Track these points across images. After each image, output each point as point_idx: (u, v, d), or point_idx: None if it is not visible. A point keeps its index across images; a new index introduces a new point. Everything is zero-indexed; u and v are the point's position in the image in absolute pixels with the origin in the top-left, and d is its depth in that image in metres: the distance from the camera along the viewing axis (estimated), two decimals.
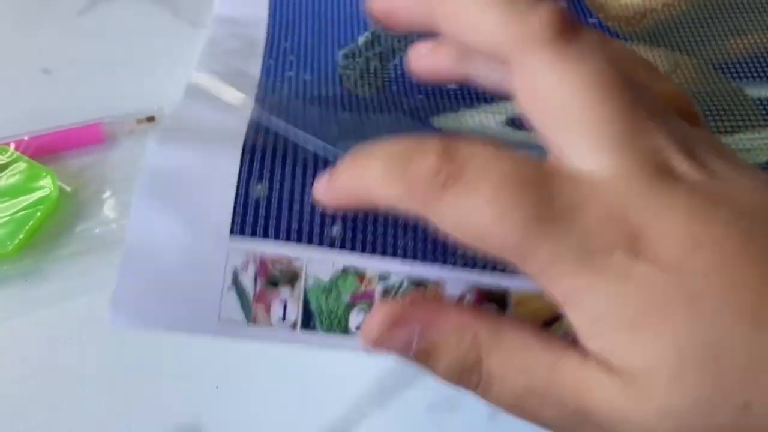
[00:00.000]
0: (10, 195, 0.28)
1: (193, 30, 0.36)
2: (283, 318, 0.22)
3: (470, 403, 0.26)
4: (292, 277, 0.22)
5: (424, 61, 0.23)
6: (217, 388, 0.26)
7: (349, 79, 0.31)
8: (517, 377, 0.18)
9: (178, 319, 0.21)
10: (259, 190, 0.23)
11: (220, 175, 0.23)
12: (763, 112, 0.31)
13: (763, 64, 0.33)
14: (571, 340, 0.18)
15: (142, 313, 0.21)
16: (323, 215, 0.22)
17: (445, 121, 0.29)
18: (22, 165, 0.29)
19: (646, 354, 0.16)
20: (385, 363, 0.27)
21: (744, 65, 0.33)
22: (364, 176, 0.19)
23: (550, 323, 0.22)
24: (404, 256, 0.22)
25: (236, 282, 0.22)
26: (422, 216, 0.18)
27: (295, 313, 0.22)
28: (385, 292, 0.22)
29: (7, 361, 0.26)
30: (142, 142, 0.31)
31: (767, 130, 0.31)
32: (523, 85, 0.18)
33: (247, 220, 0.22)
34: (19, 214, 0.28)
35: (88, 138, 0.31)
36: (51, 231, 0.29)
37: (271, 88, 0.29)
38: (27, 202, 0.28)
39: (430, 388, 0.26)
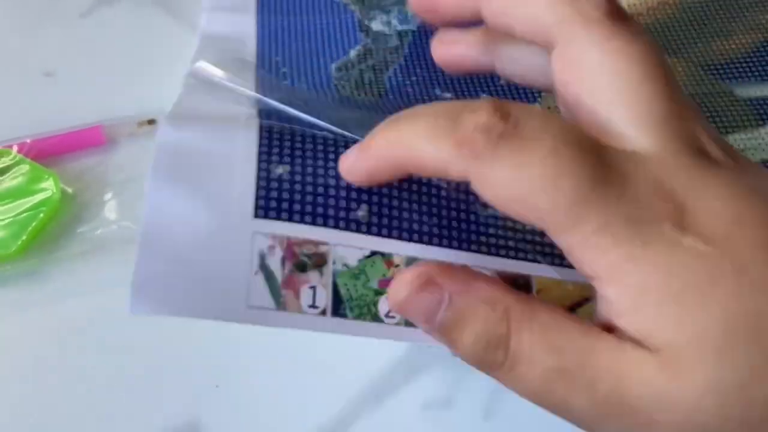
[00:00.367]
0: (12, 197, 0.29)
1: (193, 33, 0.36)
2: (313, 304, 0.21)
3: (465, 402, 0.26)
4: (320, 262, 0.21)
5: (449, 49, 0.23)
6: (216, 386, 0.26)
7: (345, 89, 0.31)
8: (547, 357, 0.17)
9: (204, 305, 0.20)
10: (280, 171, 0.22)
11: (239, 155, 0.22)
12: (754, 112, 0.31)
13: (750, 65, 0.33)
14: (600, 326, 0.17)
15: (164, 299, 0.19)
16: (348, 197, 0.22)
17: None
18: (24, 167, 0.29)
19: (693, 327, 0.16)
20: (382, 362, 0.27)
21: (732, 66, 0.33)
22: (404, 135, 0.18)
23: (571, 310, 0.22)
24: (430, 241, 0.22)
25: (263, 266, 0.20)
26: (466, 177, 0.17)
27: (324, 299, 0.21)
28: None
29: (9, 360, 0.27)
30: (142, 145, 0.32)
31: (759, 130, 0.31)
32: (569, 61, 0.19)
33: (271, 203, 0.21)
34: (22, 215, 0.28)
35: (89, 140, 0.31)
36: (53, 232, 0.29)
37: (268, 86, 0.29)
38: (29, 204, 0.29)
39: (425, 387, 0.27)
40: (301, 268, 0.21)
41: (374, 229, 0.21)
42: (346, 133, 0.24)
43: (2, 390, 0.26)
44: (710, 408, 0.16)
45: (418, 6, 0.22)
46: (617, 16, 0.18)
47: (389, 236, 0.22)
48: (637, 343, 0.16)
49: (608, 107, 0.18)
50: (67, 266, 0.28)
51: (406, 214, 0.22)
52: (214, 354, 0.27)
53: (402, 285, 0.18)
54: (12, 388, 0.26)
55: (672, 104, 0.18)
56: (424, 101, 0.30)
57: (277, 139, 0.22)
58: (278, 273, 0.20)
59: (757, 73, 0.33)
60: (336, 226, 0.21)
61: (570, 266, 0.18)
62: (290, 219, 0.21)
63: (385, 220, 0.22)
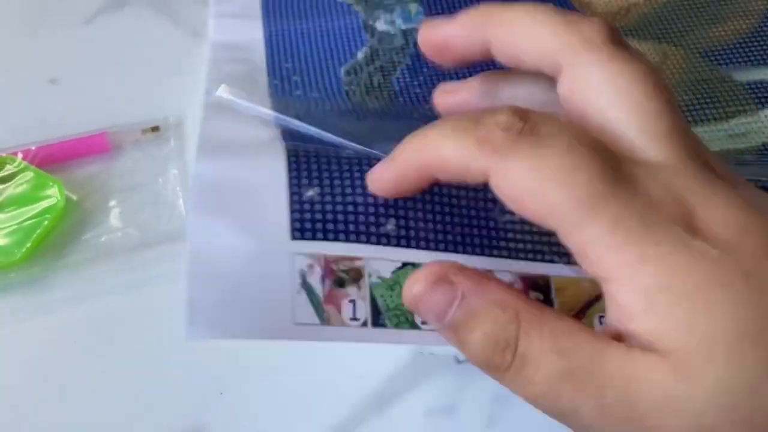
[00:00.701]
0: (17, 204, 0.29)
1: (195, 40, 0.36)
2: (354, 317, 0.22)
3: (468, 409, 0.26)
4: (356, 276, 0.22)
5: (451, 97, 0.24)
6: (220, 394, 0.26)
7: (355, 95, 0.32)
8: (555, 361, 0.17)
9: (253, 326, 0.21)
10: (310, 194, 0.23)
11: (270, 182, 0.23)
12: (753, 95, 0.32)
13: (746, 50, 0.34)
14: (609, 333, 0.17)
15: (217, 324, 0.21)
16: (376, 213, 0.23)
17: None
18: (29, 174, 0.29)
19: (703, 329, 0.16)
20: (385, 369, 0.27)
21: (728, 52, 0.34)
22: (429, 139, 0.19)
23: (587, 306, 0.23)
24: (454, 249, 0.23)
25: (305, 284, 0.22)
26: (485, 174, 0.18)
27: (364, 311, 0.22)
28: None
29: (14, 366, 0.27)
30: (146, 152, 0.32)
31: (758, 114, 0.31)
32: (576, 83, 0.19)
33: (306, 224, 0.22)
34: (27, 222, 0.28)
35: (93, 147, 0.31)
36: (58, 239, 0.29)
37: (284, 105, 0.29)
38: (34, 211, 0.29)
39: (428, 394, 0.27)
40: (340, 283, 0.22)
41: (403, 241, 0.23)
42: (370, 150, 0.25)
43: (6, 396, 0.26)
44: (719, 411, 0.16)
45: (428, 47, 0.23)
46: (617, 41, 0.20)
47: (417, 247, 0.23)
48: (647, 346, 0.16)
49: (616, 123, 0.19)
50: (72, 273, 0.28)
51: (430, 225, 0.23)
52: (217, 361, 0.27)
53: (416, 281, 0.19)
54: (16, 394, 0.26)
55: (676, 119, 0.19)
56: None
57: (304, 162, 0.24)
58: (319, 290, 0.22)
59: (753, 58, 0.34)
60: (368, 241, 0.22)
61: None
62: (325, 238, 0.22)
63: (412, 233, 0.23)
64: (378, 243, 0.22)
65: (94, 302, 0.28)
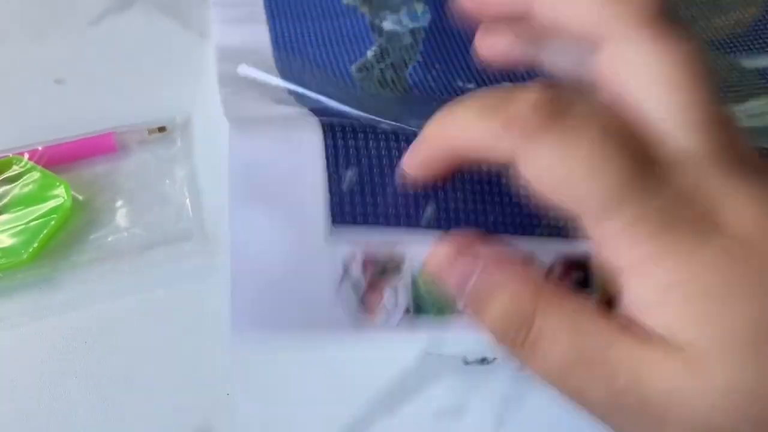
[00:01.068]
0: (24, 204, 0.29)
1: (202, 40, 0.36)
2: (396, 305, 0.22)
3: (477, 410, 0.26)
4: (397, 264, 0.22)
5: (493, 44, 0.23)
6: (227, 395, 0.26)
7: (370, 88, 0.32)
8: (570, 339, 0.17)
9: (299, 322, 0.21)
10: (349, 173, 0.22)
11: (307, 160, 0.23)
12: (763, 80, 0.33)
13: (751, 38, 0.34)
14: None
15: (262, 319, 0.21)
16: (416, 195, 0.22)
17: None
18: (36, 175, 0.29)
19: (717, 326, 0.16)
20: (394, 370, 0.27)
21: (735, 41, 0.34)
22: (457, 117, 0.19)
23: None
24: (495, 230, 0.23)
25: (347, 273, 0.21)
26: (511, 156, 0.17)
27: (405, 298, 0.22)
28: None
29: (21, 366, 0.27)
30: (153, 152, 0.32)
31: None
32: (616, 59, 0.19)
33: (345, 208, 0.22)
34: (34, 223, 0.28)
35: (100, 148, 0.31)
36: (64, 239, 0.29)
37: (301, 96, 0.29)
38: (41, 211, 0.29)
39: (437, 395, 0.27)
40: (381, 270, 0.22)
41: (444, 224, 0.22)
42: (404, 127, 0.24)
43: (13, 397, 0.26)
44: (728, 408, 0.16)
45: (468, 3, 0.22)
46: (665, 17, 0.19)
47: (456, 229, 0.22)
48: (659, 339, 0.16)
49: (654, 109, 0.18)
50: (79, 273, 0.28)
51: (471, 206, 0.23)
52: (224, 362, 0.27)
53: (441, 249, 0.19)
54: (23, 395, 0.26)
55: (714, 109, 0.18)
56: (448, 94, 0.31)
57: (341, 137, 0.23)
58: (361, 279, 0.21)
59: (759, 46, 0.34)
60: (408, 225, 0.22)
61: None
62: (365, 222, 0.22)
63: (452, 215, 0.22)
64: (417, 226, 0.22)
65: (101, 302, 0.28)
